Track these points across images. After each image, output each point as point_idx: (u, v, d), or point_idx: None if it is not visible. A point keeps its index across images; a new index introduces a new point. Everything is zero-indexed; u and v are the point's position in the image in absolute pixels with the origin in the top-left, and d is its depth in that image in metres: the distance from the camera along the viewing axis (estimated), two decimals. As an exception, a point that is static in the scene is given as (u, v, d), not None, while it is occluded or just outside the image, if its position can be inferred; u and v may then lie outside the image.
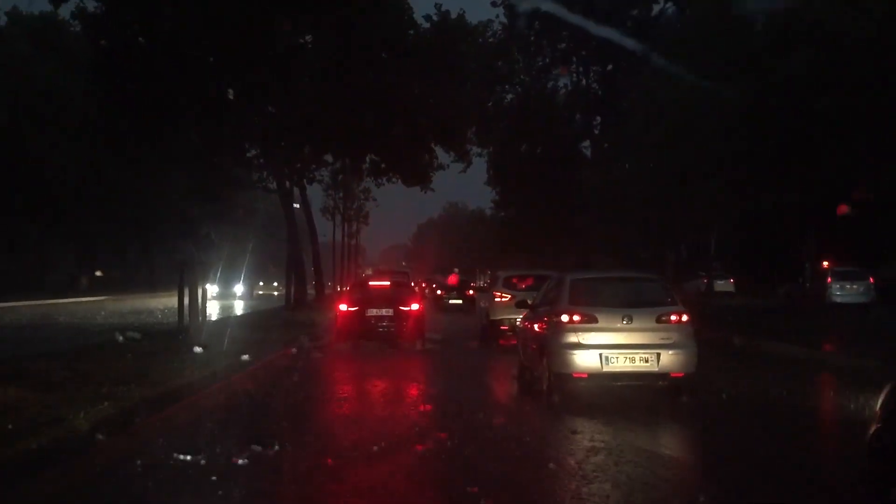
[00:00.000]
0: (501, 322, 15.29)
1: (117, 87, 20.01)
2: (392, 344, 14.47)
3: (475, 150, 39.29)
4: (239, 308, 32.32)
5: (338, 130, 23.88)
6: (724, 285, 34.64)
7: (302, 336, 15.75)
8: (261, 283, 66.87)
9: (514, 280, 16.10)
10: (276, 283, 64.43)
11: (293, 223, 27.10)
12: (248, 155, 26.46)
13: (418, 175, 27.93)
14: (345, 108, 22.90)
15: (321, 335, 17.27)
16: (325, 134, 24.50)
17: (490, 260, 67.48)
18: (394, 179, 28.91)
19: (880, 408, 4.61)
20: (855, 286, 24.72)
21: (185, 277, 15.08)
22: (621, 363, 8.08)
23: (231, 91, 22.12)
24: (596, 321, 8.24)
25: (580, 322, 8.26)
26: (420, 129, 25.28)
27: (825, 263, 26.07)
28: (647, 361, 8.07)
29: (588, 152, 39.48)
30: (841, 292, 24.68)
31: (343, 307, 14.76)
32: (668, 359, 8.09)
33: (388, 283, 16.96)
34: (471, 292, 32.21)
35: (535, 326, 9.54)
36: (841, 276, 25.10)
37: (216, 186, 28.53)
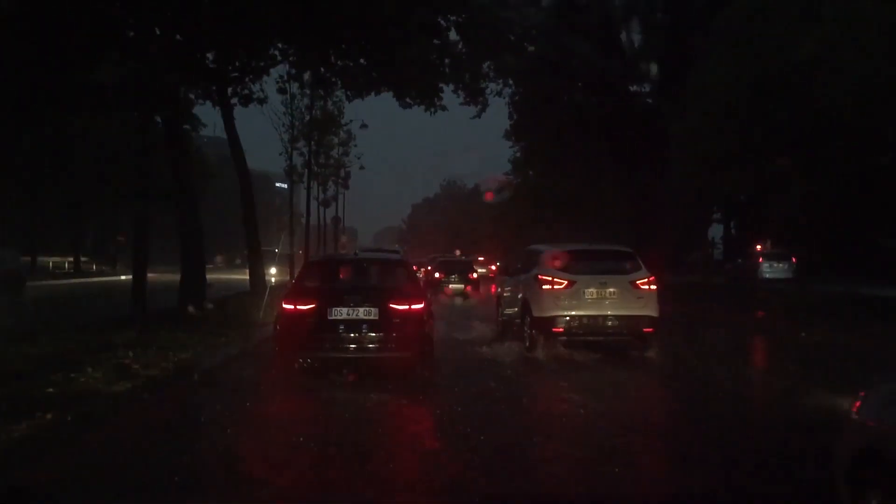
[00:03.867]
0: (553, 321, 10.82)
1: None
2: (372, 371, 8.59)
3: (492, 87, 30.09)
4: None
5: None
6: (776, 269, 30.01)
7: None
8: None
9: (567, 258, 11.32)
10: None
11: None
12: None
13: (422, 86, 17.88)
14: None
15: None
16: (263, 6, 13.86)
17: (498, 240, 59.22)
18: (383, 90, 18.32)
19: None
20: (780, 265, 29.60)
21: None
22: None
23: None
24: None
25: None
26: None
27: (759, 247, 31.06)
28: None
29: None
30: (769, 270, 29.51)
31: (288, 305, 8.87)
32: None
33: (369, 264, 10.99)
34: (474, 275, 29.35)
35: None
36: (769, 257, 30.35)
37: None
